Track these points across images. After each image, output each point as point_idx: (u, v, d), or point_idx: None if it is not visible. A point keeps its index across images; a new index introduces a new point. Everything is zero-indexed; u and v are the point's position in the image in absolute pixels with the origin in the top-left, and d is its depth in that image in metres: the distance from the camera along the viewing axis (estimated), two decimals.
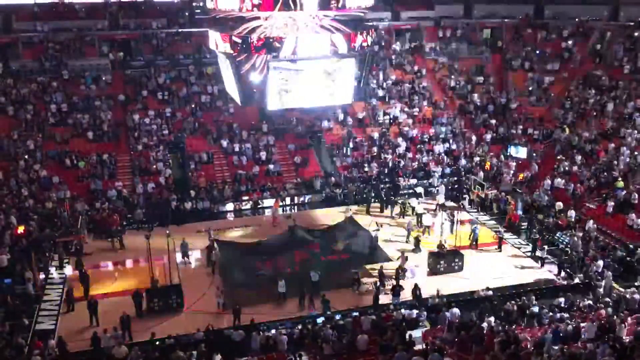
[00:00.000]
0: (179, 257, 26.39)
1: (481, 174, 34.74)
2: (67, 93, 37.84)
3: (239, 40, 21.53)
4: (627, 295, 21.04)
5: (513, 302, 21.11)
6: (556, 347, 16.71)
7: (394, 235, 29.30)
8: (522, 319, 20.32)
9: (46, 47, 40.28)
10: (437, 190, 33.77)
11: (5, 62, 39.06)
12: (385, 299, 22.85)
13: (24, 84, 37.69)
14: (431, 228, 29.16)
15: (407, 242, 28.37)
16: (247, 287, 23.82)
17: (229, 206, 33.30)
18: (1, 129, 34.84)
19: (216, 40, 22.53)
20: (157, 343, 19.23)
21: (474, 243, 28.17)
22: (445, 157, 37.17)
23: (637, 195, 28.12)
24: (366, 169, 36.10)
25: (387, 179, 35.20)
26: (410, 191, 34.46)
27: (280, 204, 33.37)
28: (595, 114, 35.80)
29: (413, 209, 31.40)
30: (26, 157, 33.15)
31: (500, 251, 27.81)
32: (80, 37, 41.31)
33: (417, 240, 27.75)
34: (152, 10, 45.37)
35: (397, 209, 31.97)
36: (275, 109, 24.26)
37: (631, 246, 25.66)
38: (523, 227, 29.78)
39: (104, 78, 39.36)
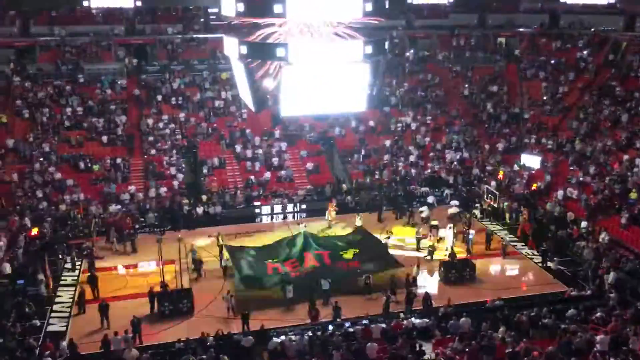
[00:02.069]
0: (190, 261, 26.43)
1: (493, 183, 34.52)
2: (83, 97, 38.25)
3: None
4: None
5: (524, 312, 20.94)
6: None
7: (405, 244, 29.19)
8: (533, 330, 20.13)
9: (63, 51, 40.83)
10: (449, 199, 33.65)
11: (22, 66, 39.62)
12: (395, 307, 22.74)
13: (41, 87, 38.21)
14: (445, 238, 29.01)
15: (418, 250, 28.30)
16: (256, 289, 23.73)
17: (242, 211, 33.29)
18: (17, 131, 35.33)
19: (231, 46, 22.66)
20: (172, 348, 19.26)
21: (470, 249, 28.07)
22: (457, 166, 37.06)
23: None
24: (378, 177, 36.07)
25: (399, 187, 35.12)
26: (424, 200, 34.29)
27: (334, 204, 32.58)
28: (609, 124, 35.54)
29: (426, 218, 31.20)
30: (41, 159, 33.53)
31: (504, 258, 27.77)
32: (96, 42, 41.84)
33: (431, 250, 27.69)
34: (167, 16, 45.88)
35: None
36: (288, 115, 24.40)
37: None
38: (535, 238, 29.51)
39: (119, 82, 39.76)
